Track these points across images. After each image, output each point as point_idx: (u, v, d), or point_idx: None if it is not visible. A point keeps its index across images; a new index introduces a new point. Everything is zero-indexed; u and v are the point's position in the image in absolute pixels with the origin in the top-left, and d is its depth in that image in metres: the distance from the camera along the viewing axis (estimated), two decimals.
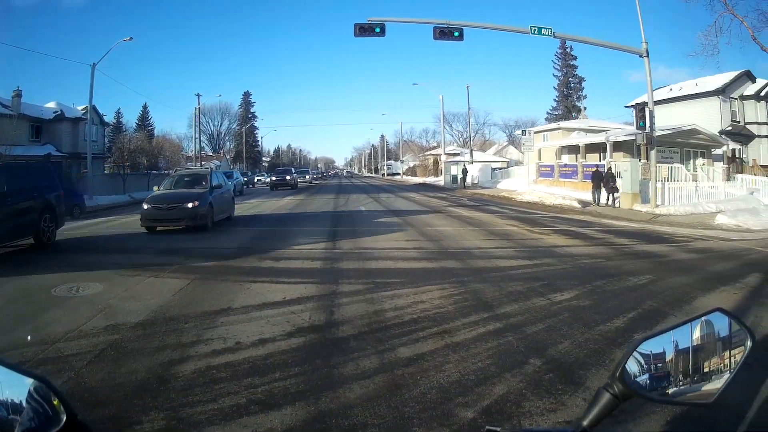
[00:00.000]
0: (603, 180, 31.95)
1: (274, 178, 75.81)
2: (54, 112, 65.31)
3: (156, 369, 6.66)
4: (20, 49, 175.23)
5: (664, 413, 4.89)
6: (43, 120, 63.88)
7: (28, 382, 1.66)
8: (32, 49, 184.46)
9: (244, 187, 74.36)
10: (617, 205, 31.58)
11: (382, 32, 30.98)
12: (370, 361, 6.76)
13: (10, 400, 1.64)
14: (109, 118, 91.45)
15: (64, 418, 1.63)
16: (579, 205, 31.82)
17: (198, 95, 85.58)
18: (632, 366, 1.82)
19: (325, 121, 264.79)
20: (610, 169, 33.58)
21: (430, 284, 11.13)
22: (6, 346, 7.74)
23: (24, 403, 1.64)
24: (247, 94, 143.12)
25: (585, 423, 1.79)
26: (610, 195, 31.91)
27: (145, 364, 6.84)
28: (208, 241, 19.17)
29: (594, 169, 34.75)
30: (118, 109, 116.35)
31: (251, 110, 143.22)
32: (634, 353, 1.83)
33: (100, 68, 57.64)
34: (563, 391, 5.67)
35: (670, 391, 1.83)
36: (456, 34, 30.86)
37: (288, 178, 73.32)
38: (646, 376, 1.82)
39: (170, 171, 78.96)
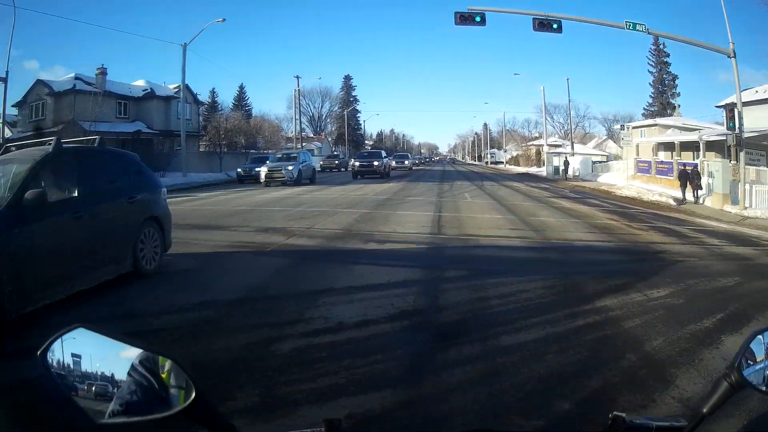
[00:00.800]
0: (689, 178, 31.45)
1: (357, 164, 56.85)
2: (143, 90, 65.26)
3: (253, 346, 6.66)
4: (108, 29, 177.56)
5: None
6: (131, 97, 63.86)
7: (133, 354, 1.56)
8: (121, 29, 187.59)
9: (333, 171, 68.09)
10: (701, 202, 30.49)
11: (483, 21, 30.32)
12: (472, 347, 6.71)
13: (110, 374, 1.54)
14: (204, 97, 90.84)
15: (193, 394, 1.54)
16: (674, 203, 30.74)
17: (297, 77, 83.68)
18: (747, 358, 1.83)
19: (429, 107, 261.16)
20: (695, 167, 32.75)
21: (534, 274, 11.01)
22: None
23: (126, 377, 1.53)
24: (348, 78, 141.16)
25: (705, 410, 1.81)
26: (695, 193, 31.20)
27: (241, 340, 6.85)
28: None
29: (682, 168, 34.07)
30: (213, 88, 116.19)
31: (352, 93, 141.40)
32: (749, 346, 1.85)
33: (192, 48, 58.08)
34: (654, 388, 5.56)
35: None
36: (554, 26, 29.98)
37: (376, 163, 55.86)
38: (757, 368, 1.83)
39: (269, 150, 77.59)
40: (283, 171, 42.82)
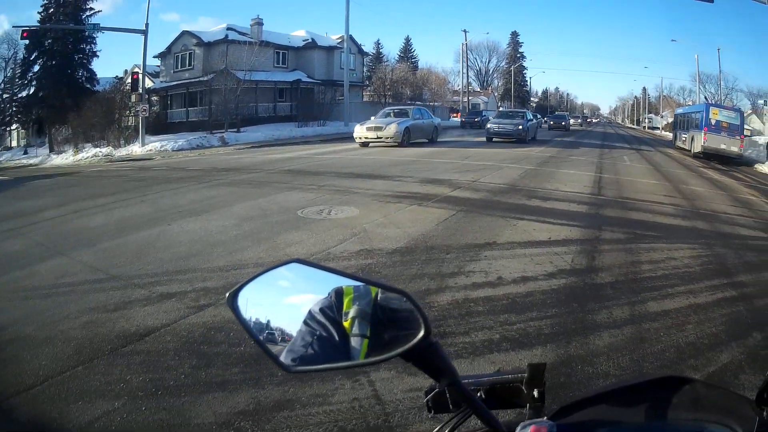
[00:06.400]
0: None
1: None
2: (304, 40, 65.81)
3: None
4: None
5: None
6: (291, 47, 64.57)
7: (342, 282, 1.43)
8: None
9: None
10: None
11: None
12: (621, 311, 7.05)
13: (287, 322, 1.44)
14: (368, 49, 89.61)
15: (421, 333, 1.33)
16: None
17: (464, 31, 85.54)
18: None
19: (592, 67, 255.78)
20: None
21: (681, 242, 11.36)
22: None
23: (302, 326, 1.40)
24: (515, 34, 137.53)
25: None
26: None
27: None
28: None
29: None
30: (377, 40, 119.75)
31: (519, 50, 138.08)
32: None
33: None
34: None
35: None
36: None
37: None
38: None
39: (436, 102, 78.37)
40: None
